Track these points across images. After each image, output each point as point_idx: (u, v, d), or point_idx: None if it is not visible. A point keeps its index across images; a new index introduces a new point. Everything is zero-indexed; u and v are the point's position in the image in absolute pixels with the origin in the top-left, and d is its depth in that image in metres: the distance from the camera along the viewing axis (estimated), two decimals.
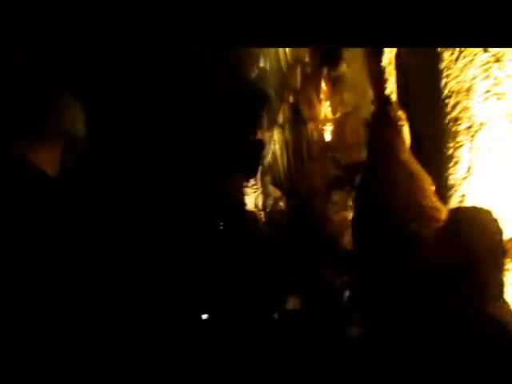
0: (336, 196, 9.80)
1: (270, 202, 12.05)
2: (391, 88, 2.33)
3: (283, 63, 9.35)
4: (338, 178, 9.74)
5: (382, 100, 2.33)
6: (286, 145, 10.07)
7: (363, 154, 9.14)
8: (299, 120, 9.86)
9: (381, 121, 2.34)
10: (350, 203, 9.63)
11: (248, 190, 11.57)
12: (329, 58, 8.87)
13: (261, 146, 10.09)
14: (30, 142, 0.89)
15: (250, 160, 9.69)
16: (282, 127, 10.15)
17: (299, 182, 10.12)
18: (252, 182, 10.93)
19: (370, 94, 8.75)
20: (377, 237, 2.12)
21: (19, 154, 0.84)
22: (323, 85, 9.37)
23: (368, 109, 8.82)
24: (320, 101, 9.54)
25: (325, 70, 9.18)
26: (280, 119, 10.20)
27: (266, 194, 12.29)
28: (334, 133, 9.43)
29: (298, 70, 9.43)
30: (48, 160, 0.88)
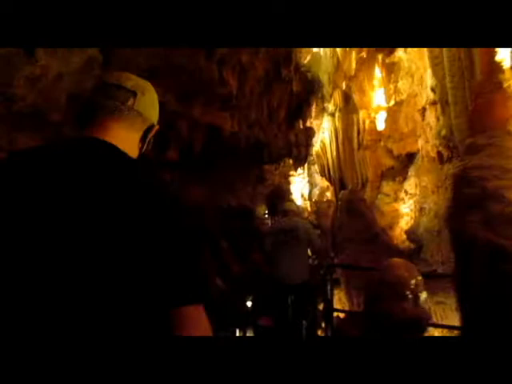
0: (387, 187, 9.51)
1: (317, 191, 11.81)
2: (502, 54, 2.02)
3: (339, 48, 9.05)
4: (390, 169, 9.44)
5: (490, 67, 2.00)
6: (335, 133, 9.80)
7: (418, 144, 8.73)
8: (351, 107, 9.58)
9: (490, 91, 2.00)
10: (402, 195, 9.29)
11: (295, 179, 11.37)
12: None
13: (310, 133, 9.87)
14: (119, 124, 0.92)
15: (298, 148, 9.51)
16: (332, 115, 9.88)
17: (348, 171, 9.86)
18: (299, 170, 10.70)
19: (427, 81, 8.36)
20: (480, 230, 1.80)
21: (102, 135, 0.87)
22: (378, 72, 9.04)
23: (425, 97, 8.45)
24: (373, 88, 9.23)
25: (380, 57, 8.83)
26: (331, 106, 9.92)
27: (312, 184, 12.07)
28: (387, 121, 9.10)
29: (353, 56, 9.12)
30: (131, 144, 0.94)
